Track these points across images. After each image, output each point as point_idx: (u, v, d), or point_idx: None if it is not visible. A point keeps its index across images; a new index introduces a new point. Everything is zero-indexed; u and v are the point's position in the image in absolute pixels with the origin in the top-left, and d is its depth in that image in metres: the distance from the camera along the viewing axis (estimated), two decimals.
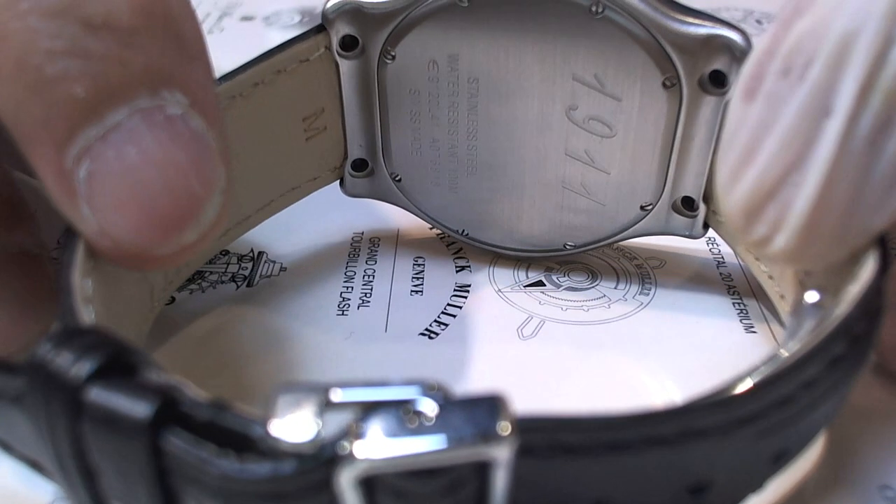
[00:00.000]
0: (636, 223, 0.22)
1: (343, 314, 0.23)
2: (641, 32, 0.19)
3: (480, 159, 0.23)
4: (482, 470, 0.12)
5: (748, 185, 0.15)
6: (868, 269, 0.14)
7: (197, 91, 0.15)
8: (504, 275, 0.24)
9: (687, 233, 0.22)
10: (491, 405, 0.12)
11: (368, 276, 0.24)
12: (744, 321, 0.22)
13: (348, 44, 0.21)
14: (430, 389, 0.12)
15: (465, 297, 0.23)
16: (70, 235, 0.16)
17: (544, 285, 0.24)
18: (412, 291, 0.24)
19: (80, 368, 0.12)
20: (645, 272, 0.24)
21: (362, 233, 0.26)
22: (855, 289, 0.14)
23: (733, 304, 0.23)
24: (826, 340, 0.13)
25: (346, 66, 0.22)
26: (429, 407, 0.12)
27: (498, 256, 0.25)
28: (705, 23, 0.19)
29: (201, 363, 0.21)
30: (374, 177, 0.24)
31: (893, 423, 0.18)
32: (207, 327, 0.22)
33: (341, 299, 0.23)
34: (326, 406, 0.12)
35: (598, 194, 0.22)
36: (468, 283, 0.24)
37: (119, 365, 0.13)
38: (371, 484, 0.11)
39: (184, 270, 0.21)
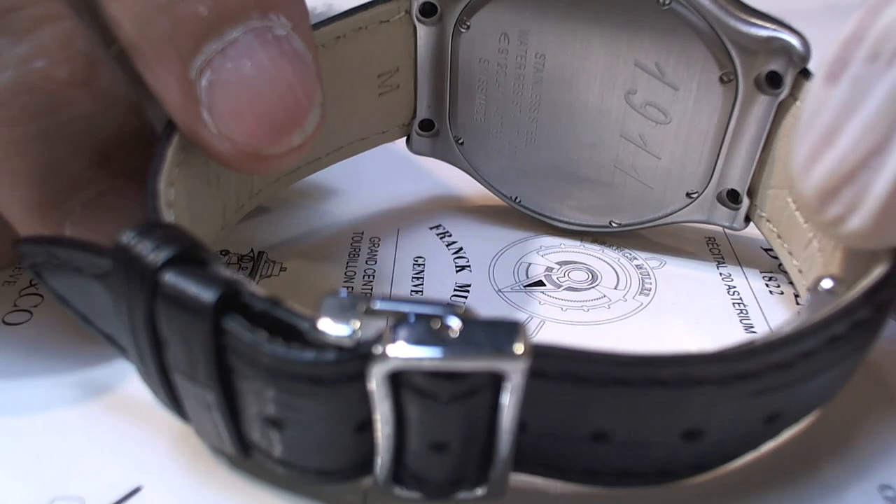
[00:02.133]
0: (681, 209, 0.23)
1: None
2: (705, 27, 0.20)
3: (540, 132, 0.24)
4: (496, 383, 0.13)
5: (826, 167, 0.15)
6: (881, 266, 0.15)
7: (297, 18, 0.18)
8: (504, 275, 0.24)
9: (728, 224, 0.23)
10: (510, 328, 0.13)
11: (368, 276, 0.24)
12: (744, 321, 0.22)
13: (428, 10, 0.23)
14: (458, 310, 0.13)
15: (465, 297, 0.23)
16: (158, 148, 0.17)
17: (544, 285, 0.24)
18: (412, 291, 0.23)
19: (158, 255, 0.14)
20: (645, 272, 0.24)
21: (362, 233, 0.26)
22: (865, 282, 0.15)
23: (733, 304, 0.23)
24: (828, 319, 0.14)
25: (423, 31, 0.23)
26: (455, 323, 0.13)
27: (501, 253, 0.25)
28: (767, 24, 0.20)
29: None
30: (438, 138, 0.25)
31: (893, 423, 0.19)
32: None
33: None
34: (367, 312, 0.13)
35: (648, 177, 0.23)
36: (468, 283, 0.24)
37: (191, 257, 0.14)
38: (398, 380, 0.13)
39: (255, 197, 0.23)
